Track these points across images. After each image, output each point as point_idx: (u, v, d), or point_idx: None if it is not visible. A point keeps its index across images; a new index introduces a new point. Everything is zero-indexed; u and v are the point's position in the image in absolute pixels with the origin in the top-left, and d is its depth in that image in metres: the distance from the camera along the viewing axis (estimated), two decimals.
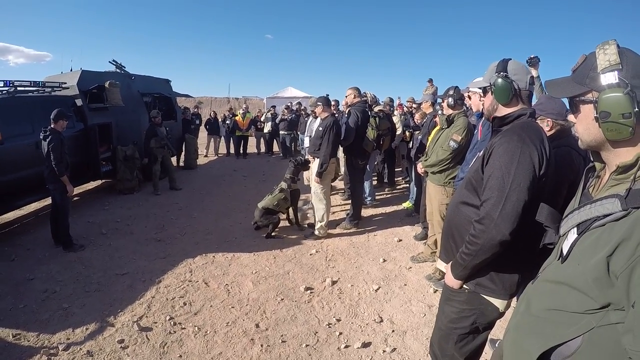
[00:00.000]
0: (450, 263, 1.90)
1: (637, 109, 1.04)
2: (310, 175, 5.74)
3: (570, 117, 1.29)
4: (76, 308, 3.64)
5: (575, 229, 1.18)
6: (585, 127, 1.20)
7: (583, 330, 1.06)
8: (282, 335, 3.22)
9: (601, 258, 1.00)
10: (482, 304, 1.84)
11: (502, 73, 1.80)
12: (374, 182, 8.18)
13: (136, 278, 4.22)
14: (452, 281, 1.88)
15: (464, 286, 1.86)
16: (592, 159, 1.31)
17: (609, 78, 1.09)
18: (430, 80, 12.38)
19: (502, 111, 1.86)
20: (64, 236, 4.98)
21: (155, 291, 3.94)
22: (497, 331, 2.94)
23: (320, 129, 5.28)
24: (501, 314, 1.87)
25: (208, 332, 3.28)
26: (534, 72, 3.60)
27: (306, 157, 6.07)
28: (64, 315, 3.53)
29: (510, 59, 1.85)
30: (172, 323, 3.39)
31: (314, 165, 5.41)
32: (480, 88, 2.03)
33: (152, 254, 4.89)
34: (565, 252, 1.20)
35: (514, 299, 1.90)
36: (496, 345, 3.00)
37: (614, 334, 1.00)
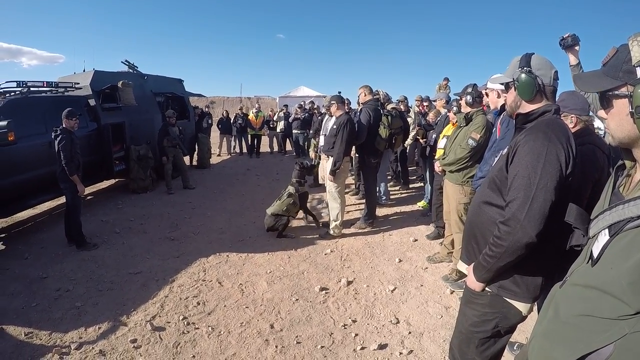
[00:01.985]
0: (473, 265, 1.84)
1: None
2: (324, 174, 5.69)
3: (601, 113, 1.20)
4: (89, 307, 3.63)
5: (607, 230, 1.10)
6: (618, 122, 1.12)
7: (616, 337, 0.99)
8: (297, 336, 3.17)
9: (636, 261, 0.94)
10: (505, 307, 1.78)
11: (525, 68, 1.73)
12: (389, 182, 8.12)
13: (149, 277, 4.20)
14: (474, 284, 1.83)
15: (487, 289, 1.80)
16: (622, 156, 1.24)
17: None
18: (447, 79, 12.23)
19: (526, 108, 1.79)
20: (76, 235, 5.00)
21: (169, 290, 3.92)
22: (516, 334, 2.87)
23: (335, 127, 5.23)
24: (524, 318, 1.81)
25: (222, 332, 3.24)
26: (572, 59, 2.95)
27: (314, 160, 6.02)
28: (77, 314, 3.52)
29: (534, 54, 1.78)
30: (185, 323, 3.35)
31: (328, 163, 5.36)
32: (502, 84, 1.96)
33: (166, 253, 4.87)
34: (595, 255, 1.12)
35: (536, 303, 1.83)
36: (514, 348, 2.94)
37: None
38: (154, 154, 8.34)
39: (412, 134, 7.52)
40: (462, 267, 2.06)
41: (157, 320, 3.40)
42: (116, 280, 4.15)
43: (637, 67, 1.04)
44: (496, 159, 3.14)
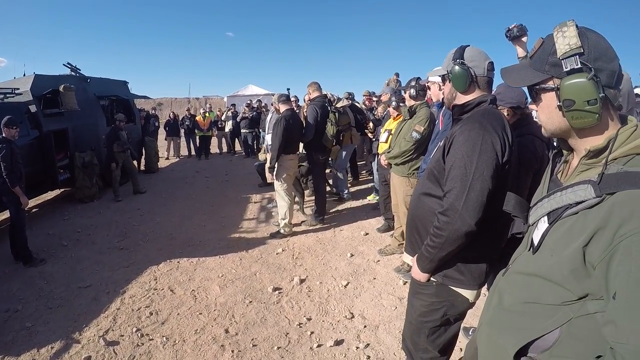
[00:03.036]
0: (416, 256, 1.86)
1: (602, 94, 0.99)
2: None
3: (532, 106, 1.23)
4: (40, 326, 3.46)
5: (546, 217, 1.13)
6: (548, 115, 1.14)
7: (561, 322, 1.03)
8: (252, 339, 3.15)
9: (576, 248, 0.96)
10: (452, 296, 1.82)
11: (458, 60, 1.77)
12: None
13: (100, 290, 4.05)
14: (419, 274, 1.85)
15: (432, 279, 1.83)
16: (556, 144, 1.27)
17: (570, 63, 1.03)
18: (397, 74, 12.40)
19: (461, 99, 1.83)
20: (22, 251, 4.73)
21: (120, 302, 3.79)
22: (470, 319, 2.98)
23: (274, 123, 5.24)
24: (472, 304, 1.86)
25: (177, 341, 3.17)
26: (519, 51, 2.61)
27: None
28: (28, 334, 3.35)
29: (469, 46, 1.81)
30: (139, 335, 3.26)
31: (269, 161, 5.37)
32: (440, 76, 2.00)
33: (115, 263, 4.71)
34: (536, 242, 1.15)
35: (484, 288, 1.89)
36: (469, 333, 3.04)
37: (592, 324, 0.97)
38: (100, 160, 8.01)
39: None
40: (407, 258, 2.10)
41: (110, 335, 3.29)
42: (66, 295, 3.97)
43: (562, 59, 1.04)
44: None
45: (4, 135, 4.59)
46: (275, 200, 5.71)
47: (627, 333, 0.85)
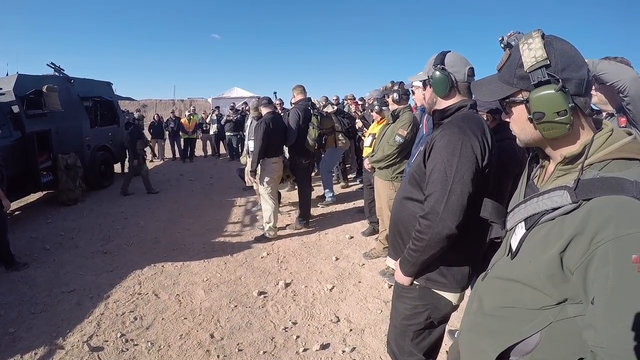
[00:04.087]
0: (399, 260, 1.88)
1: (572, 104, 1.01)
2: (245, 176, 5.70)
3: (505, 118, 1.24)
4: (23, 332, 3.40)
5: (523, 223, 1.14)
6: (520, 127, 1.16)
7: (541, 326, 1.04)
8: (238, 344, 3.14)
9: (554, 254, 0.97)
10: (435, 299, 1.84)
11: (439, 66, 1.80)
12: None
13: (83, 295, 4.00)
14: (402, 278, 1.87)
15: (415, 282, 1.85)
16: (532, 150, 1.29)
17: (537, 76, 1.04)
18: (392, 82, 12.33)
19: (442, 104, 1.86)
20: (4, 255, 4.62)
21: (104, 307, 3.75)
22: (456, 322, 3.01)
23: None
24: (455, 307, 1.87)
25: (162, 346, 3.15)
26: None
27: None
28: (11, 340, 3.28)
29: (450, 51, 1.85)
30: (123, 340, 3.23)
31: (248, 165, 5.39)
32: (421, 81, 2.04)
33: (99, 267, 4.65)
34: (514, 248, 1.16)
35: (468, 290, 1.92)
36: (455, 335, 3.06)
37: (572, 327, 0.99)
38: (83, 162, 7.95)
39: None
40: (390, 262, 2.12)
41: (94, 340, 3.25)
42: (49, 301, 3.91)
43: (529, 72, 1.06)
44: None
45: None
46: (260, 203, 5.72)
47: (606, 337, 0.87)
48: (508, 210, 1.28)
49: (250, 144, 5.69)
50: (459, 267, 1.80)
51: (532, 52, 1.05)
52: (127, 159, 10.46)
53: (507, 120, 1.22)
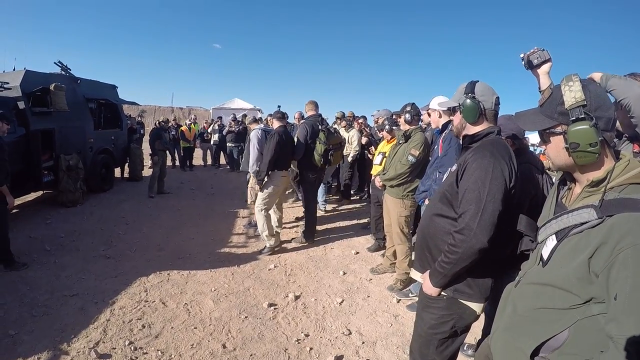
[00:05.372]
0: (428, 272, 2.00)
1: (601, 138, 1.23)
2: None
3: (542, 146, 1.47)
4: (24, 334, 3.31)
5: (554, 236, 1.33)
6: (555, 154, 1.37)
7: (569, 323, 1.21)
8: (251, 355, 3.14)
9: (583, 260, 1.16)
10: (461, 309, 1.96)
11: (470, 94, 1.95)
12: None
13: (87, 299, 3.94)
14: (430, 289, 1.98)
15: (442, 293, 1.97)
16: (557, 175, 1.51)
17: (575, 113, 1.26)
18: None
19: (471, 130, 2.02)
20: (3, 253, 4.53)
21: (110, 313, 3.70)
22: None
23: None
24: (477, 317, 2.00)
25: (172, 355, 3.12)
26: (543, 83, 2.09)
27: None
28: (11, 343, 3.20)
29: (478, 81, 2.00)
30: (132, 348, 3.18)
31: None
32: (448, 108, 2.17)
33: (102, 272, 4.60)
34: (545, 257, 1.35)
35: None
36: (464, 348, 3.15)
37: (596, 324, 1.16)
38: (85, 164, 7.91)
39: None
40: (416, 275, 2.24)
41: (101, 347, 3.19)
42: (51, 303, 3.84)
43: (569, 109, 1.28)
44: (439, 174, 3.40)
45: None
46: (254, 221, 5.88)
47: (627, 328, 1.05)
48: (538, 225, 1.49)
49: (251, 155, 5.76)
50: (483, 279, 1.94)
51: (572, 93, 1.28)
52: (127, 164, 10.50)
53: (543, 148, 1.45)
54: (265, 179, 5.29)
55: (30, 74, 7.11)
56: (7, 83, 6.65)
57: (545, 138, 1.40)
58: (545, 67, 2.11)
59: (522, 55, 2.19)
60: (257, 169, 5.39)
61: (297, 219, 7.14)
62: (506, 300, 1.52)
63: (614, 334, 1.08)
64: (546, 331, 1.27)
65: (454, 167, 2.03)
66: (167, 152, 8.76)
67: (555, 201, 1.50)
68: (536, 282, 1.37)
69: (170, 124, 12.95)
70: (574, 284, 1.19)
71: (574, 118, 1.27)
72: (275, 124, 5.48)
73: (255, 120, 6.00)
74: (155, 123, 11.30)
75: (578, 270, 1.17)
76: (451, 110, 2.19)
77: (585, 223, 1.20)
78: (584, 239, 1.19)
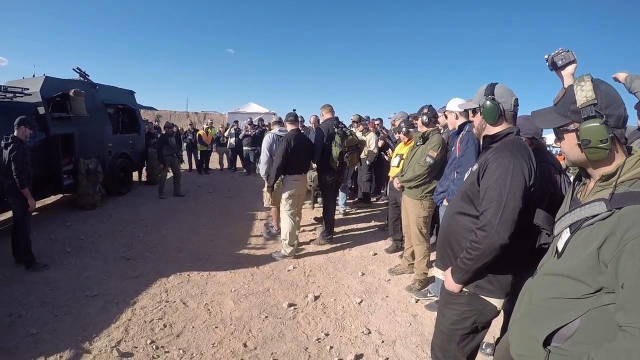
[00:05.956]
0: (450, 269, 2.04)
1: (611, 135, 1.29)
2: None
3: (557, 143, 1.53)
4: (46, 334, 3.38)
5: (568, 228, 1.40)
6: (569, 150, 1.44)
7: (580, 312, 1.27)
8: (272, 354, 3.16)
9: (593, 250, 1.22)
10: (482, 305, 2.00)
11: (490, 96, 2.00)
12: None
13: (108, 300, 4.01)
14: (452, 285, 2.03)
15: (464, 289, 2.01)
16: (572, 171, 1.55)
17: (587, 111, 1.33)
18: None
19: (491, 130, 2.06)
20: (25, 254, 4.65)
21: (131, 313, 3.75)
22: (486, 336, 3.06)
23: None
24: (497, 313, 2.04)
25: (194, 354, 3.15)
26: (567, 79, 2.06)
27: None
28: (34, 341, 3.26)
29: (497, 83, 2.05)
30: (154, 347, 3.23)
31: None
32: (468, 109, 2.21)
33: (123, 273, 4.68)
34: (560, 248, 1.42)
35: None
36: (483, 347, 3.16)
37: (606, 314, 1.21)
38: (104, 168, 8.07)
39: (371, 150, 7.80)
40: (437, 272, 2.27)
41: (123, 346, 3.24)
42: (72, 303, 3.91)
43: (581, 108, 1.34)
44: (457, 175, 3.41)
45: (15, 134, 4.58)
46: (271, 224, 6.05)
47: (634, 315, 1.09)
48: (555, 219, 1.56)
49: (261, 158, 5.82)
50: (504, 275, 1.97)
51: (584, 93, 1.34)
52: (144, 168, 10.68)
53: (558, 145, 1.52)
54: (280, 184, 5.36)
55: (49, 80, 7.29)
56: (28, 89, 6.81)
57: (559, 135, 1.47)
58: (569, 69, 2.07)
59: (546, 57, 2.18)
60: (266, 172, 5.48)
61: (316, 219, 7.17)
62: (524, 291, 1.59)
63: (622, 321, 1.12)
64: (558, 320, 1.32)
65: (475, 167, 2.06)
66: (175, 155, 9.13)
67: (571, 196, 1.56)
68: (551, 272, 1.43)
69: (174, 129, 13.17)
70: (584, 273, 1.25)
71: (585, 116, 1.33)
72: (288, 128, 5.51)
73: (278, 122, 6.02)
74: (159, 129, 11.54)
75: (588, 260, 1.23)
76: (467, 113, 2.23)
77: (596, 216, 1.26)
78: (594, 230, 1.25)
